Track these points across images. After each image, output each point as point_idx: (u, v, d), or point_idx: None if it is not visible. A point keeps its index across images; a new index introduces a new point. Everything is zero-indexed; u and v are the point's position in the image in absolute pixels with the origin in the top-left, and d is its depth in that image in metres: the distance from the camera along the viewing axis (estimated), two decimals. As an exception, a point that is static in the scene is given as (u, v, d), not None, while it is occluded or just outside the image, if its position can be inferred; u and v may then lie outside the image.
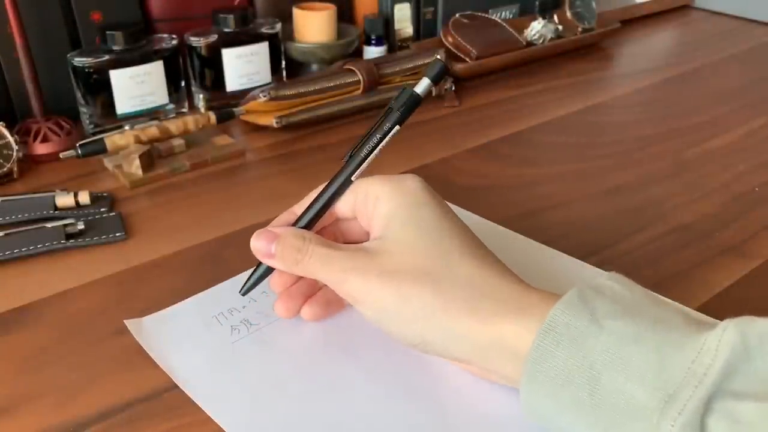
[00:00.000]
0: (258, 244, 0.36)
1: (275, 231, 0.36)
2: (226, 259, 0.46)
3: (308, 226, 0.37)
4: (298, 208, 0.38)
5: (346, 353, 0.38)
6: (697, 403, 0.25)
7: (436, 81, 0.37)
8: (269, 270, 0.38)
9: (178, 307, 0.41)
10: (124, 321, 0.40)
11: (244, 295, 0.39)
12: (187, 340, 0.39)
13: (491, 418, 0.34)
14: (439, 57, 0.36)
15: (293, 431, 0.33)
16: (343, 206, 0.37)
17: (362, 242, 0.36)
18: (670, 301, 0.30)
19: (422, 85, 0.37)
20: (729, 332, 0.26)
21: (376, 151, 0.37)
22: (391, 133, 0.37)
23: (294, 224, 0.37)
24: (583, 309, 0.29)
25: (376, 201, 0.35)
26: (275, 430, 0.33)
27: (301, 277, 0.38)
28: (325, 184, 0.37)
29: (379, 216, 0.35)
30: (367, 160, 0.37)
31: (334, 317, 0.40)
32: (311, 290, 0.39)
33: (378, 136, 0.37)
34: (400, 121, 0.37)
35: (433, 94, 0.71)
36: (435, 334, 0.32)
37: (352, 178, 0.36)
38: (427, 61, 0.71)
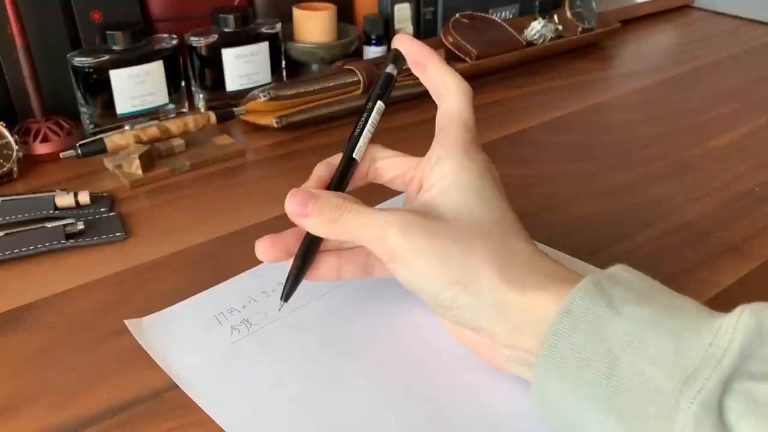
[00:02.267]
0: (292, 204, 0.34)
1: (311, 190, 0.35)
2: (226, 259, 0.46)
3: (340, 186, 0.37)
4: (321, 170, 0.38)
5: (346, 353, 0.38)
6: (715, 384, 0.25)
7: (396, 64, 0.40)
8: (305, 265, 0.36)
9: (178, 307, 0.41)
10: (124, 321, 0.40)
11: (286, 301, 0.36)
12: (187, 339, 0.38)
13: (492, 418, 0.33)
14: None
15: (292, 430, 0.33)
16: (388, 165, 0.38)
17: None
18: (678, 293, 0.31)
19: (390, 67, 0.39)
20: (745, 317, 0.27)
21: (369, 126, 0.39)
22: (376, 111, 0.39)
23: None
24: (600, 295, 0.29)
25: (438, 161, 0.35)
26: (274, 429, 0.33)
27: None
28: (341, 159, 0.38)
29: (437, 175, 0.35)
30: (363, 137, 0.38)
31: (335, 318, 0.40)
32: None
33: (365, 114, 0.39)
34: (380, 98, 0.39)
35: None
36: (469, 299, 0.31)
37: (354, 156, 0.37)
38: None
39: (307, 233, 0.36)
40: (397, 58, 0.40)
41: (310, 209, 0.34)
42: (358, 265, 0.38)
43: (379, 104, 0.39)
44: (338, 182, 0.37)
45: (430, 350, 0.38)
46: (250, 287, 0.43)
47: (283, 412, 0.34)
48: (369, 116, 0.39)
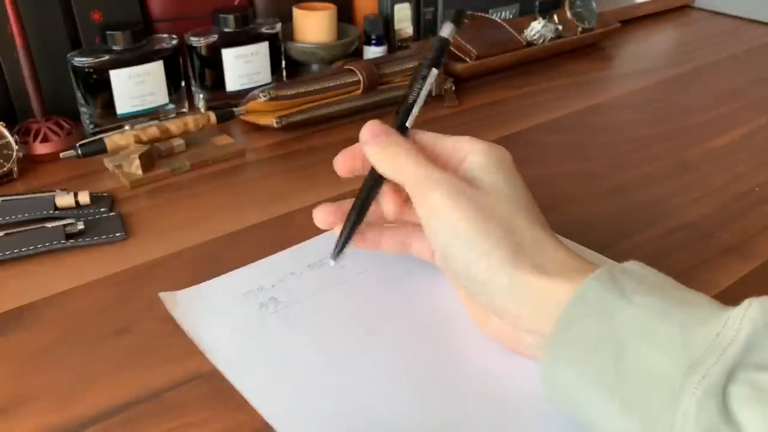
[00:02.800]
0: (366, 131, 0.37)
1: (387, 127, 0.38)
2: (226, 259, 0.46)
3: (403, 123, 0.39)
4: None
5: (368, 333, 0.39)
6: (719, 371, 0.26)
7: (457, 24, 0.39)
8: (359, 220, 0.38)
9: (211, 283, 0.43)
10: (159, 294, 0.42)
11: (336, 258, 0.38)
12: (217, 313, 0.40)
13: (511, 399, 0.34)
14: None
15: (311, 400, 0.34)
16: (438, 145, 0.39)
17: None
18: (689, 288, 0.32)
19: (446, 29, 0.39)
20: (753, 309, 0.27)
21: (423, 93, 0.39)
22: (431, 76, 0.39)
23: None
24: (613, 285, 0.30)
25: (468, 154, 0.37)
26: (295, 399, 0.34)
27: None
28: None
29: (471, 165, 0.36)
30: (417, 104, 0.39)
31: (359, 301, 0.42)
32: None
33: (419, 81, 0.39)
34: (435, 64, 0.39)
35: (433, 93, 0.71)
36: (498, 278, 0.32)
37: (407, 124, 0.39)
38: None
39: (364, 185, 0.38)
40: (459, 17, 0.39)
41: (380, 140, 0.37)
42: (397, 241, 0.41)
43: (434, 71, 0.39)
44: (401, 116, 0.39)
45: (452, 333, 0.39)
46: (280, 268, 0.44)
47: (305, 384, 0.35)
48: (424, 84, 0.39)
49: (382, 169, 0.37)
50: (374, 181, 0.38)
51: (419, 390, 0.35)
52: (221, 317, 0.40)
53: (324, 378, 0.36)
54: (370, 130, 0.37)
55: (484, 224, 0.33)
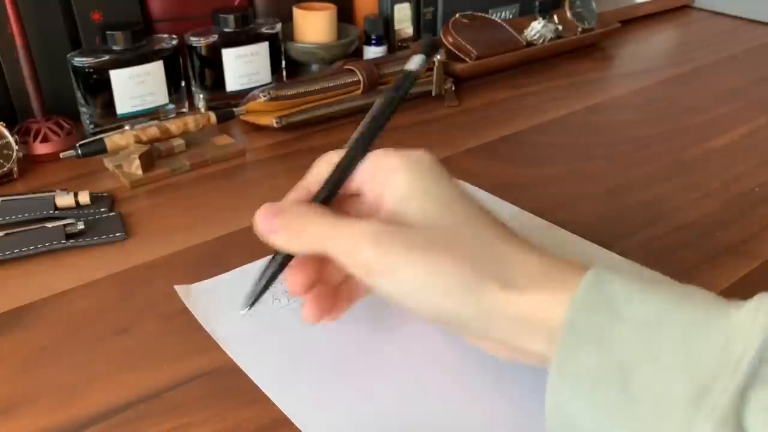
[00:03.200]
0: (260, 220, 0.33)
1: (279, 204, 0.34)
2: (226, 259, 0.46)
3: (329, 199, 0.34)
4: (307, 184, 0.35)
5: (378, 329, 0.39)
6: (732, 397, 0.24)
7: (428, 54, 0.37)
8: (278, 271, 0.34)
9: (224, 276, 0.44)
10: (174, 286, 0.42)
11: (250, 308, 0.35)
12: (230, 305, 0.40)
13: (522, 392, 0.35)
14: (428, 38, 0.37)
15: (324, 391, 0.35)
16: (350, 181, 0.35)
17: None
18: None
19: (415, 62, 0.37)
20: (763, 313, 0.25)
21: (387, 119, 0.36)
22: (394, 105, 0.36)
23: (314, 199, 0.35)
24: (599, 297, 0.28)
25: (391, 174, 0.33)
26: (307, 389, 0.35)
27: (318, 279, 0.35)
28: (336, 159, 0.35)
29: (395, 189, 0.32)
30: (379, 130, 0.36)
31: (370, 297, 0.40)
32: (333, 290, 0.35)
33: (383, 107, 0.36)
34: (402, 91, 0.37)
35: (433, 93, 0.71)
36: (467, 308, 0.30)
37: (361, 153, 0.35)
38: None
39: (278, 255, 0.34)
40: (432, 48, 0.37)
41: (278, 224, 0.33)
42: (352, 294, 0.36)
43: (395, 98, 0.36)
44: (326, 193, 0.34)
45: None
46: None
47: (315, 376, 0.36)
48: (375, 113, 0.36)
49: (298, 252, 0.33)
50: (282, 260, 0.34)
51: (432, 380, 0.36)
52: (235, 309, 0.40)
53: (337, 370, 0.37)
54: (260, 218, 0.33)
55: (429, 264, 0.30)
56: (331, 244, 0.31)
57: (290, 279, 0.34)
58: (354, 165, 0.34)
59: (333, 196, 0.34)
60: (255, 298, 0.35)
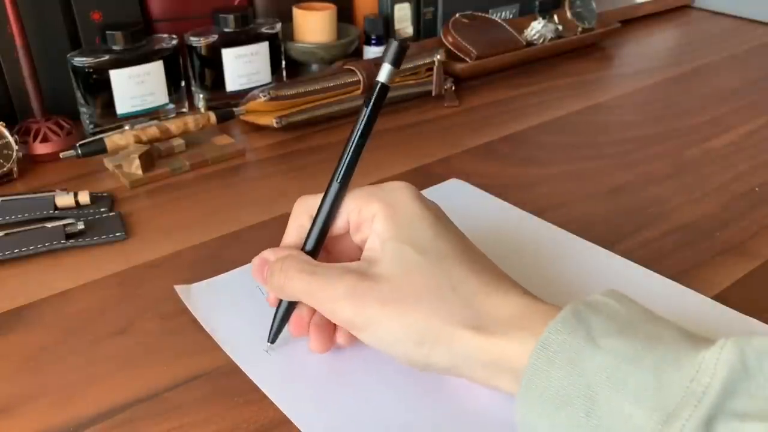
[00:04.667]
0: (255, 269, 0.36)
1: (266, 254, 0.36)
2: (226, 259, 0.46)
3: (315, 249, 0.36)
4: (296, 227, 0.37)
5: None
6: (697, 423, 0.24)
7: (396, 64, 0.35)
8: (291, 307, 0.37)
9: (224, 276, 0.44)
10: (174, 286, 0.42)
11: (272, 342, 0.37)
12: (230, 306, 0.41)
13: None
14: (394, 40, 0.35)
15: (321, 387, 0.35)
16: (336, 224, 0.36)
17: (354, 259, 0.35)
18: (664, 318, 0.30)
19: (384, 73, 0.35)
20: (727, 350, 0.26)
21: (359, 152, 0.36)
22: (364, 130, 0.35)
23: (303, 248, 0.36)
24: (577, 326, 0.28)
25: (371, 222, 0.34)
26: (307, 388, 0.36)
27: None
28: (320, 199, 0.36)
29: (373, 236, 0.34)
30: (353, 166, 0.36)
31: None
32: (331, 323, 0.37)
33: (355, 137, 0.35)
34: (371, 116, 0.35)
35: (433, 93, 0.71)
36: (441, 356, 0.31)
37: (338, 182, 0.35)
38: (426, 60, 0.71)
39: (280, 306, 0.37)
40: (400, 55, 0.34)
41: (267, 276, 0.35)
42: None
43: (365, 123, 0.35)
44: (313, 240, 0.36)
45: None
46: None
47: (315, 375, 0.36)
48: (363, 139, 0.36)
49: (288, 299, 0.36)
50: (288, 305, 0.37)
51: (432, 380, 0.35)
52: (234, 311, 0.41)
53: (332, 369, 0.37)
54: (254, 269, 0.36)
55: (401, 318, 0.31)
56: (313, 300, 0.34)
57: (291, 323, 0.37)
58: (335, 210, 0.36)
59: (320, 246, 0.36)
60: (275, 333, 0.37)
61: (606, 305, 0.29)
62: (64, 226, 0.48)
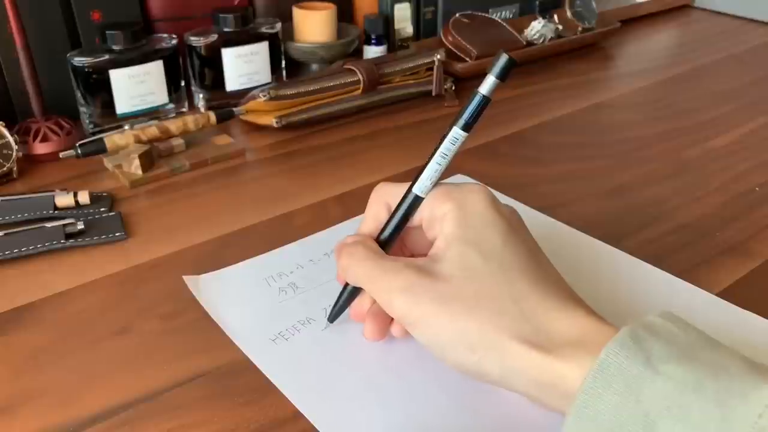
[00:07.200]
0: (335, 251, 0.37)
1: (345, 240, 0.36)
2: (226, 259, 0.46)
3: (388, 240, 0.36)
4: (374, 214, 0.37)
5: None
6: None
7: (502, 78, 0.33)
8: (355, 292, 0.37)
9: (233, 268, 0.45)
10: (183, 276, 0.43)
11: (331, 322, 0.39)
12: (238, 297, 0.42)
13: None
14: (503, 52, 0.33)
15: (332, 379, 0.36)
16: (412, 220, 0.36)
17: (424, 255, 0.34)
18: (723, 344, 0.28)
19: (487, 85, 0.34)
20: None
21: (447, 160, 0.35)
22: (459, 140, 0.35)
23: (378, 237, 0.36)
24: (637, 351, 0.27)
25: (442, 221, 0.34)
26: (308, 375, 0.36)
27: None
28: (397, 187, 0.37)
29: (442, 236, 0.33)
30: (438, 171, 0.35)
31: None
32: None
33: (445, 143, 0.35)
34: (466, 126, 0.35)
35: (433, 93, 0.71)
36: (492, 365, 0.30)
37: (422, 194, 0.35)
38: (426, 60, 0.71)
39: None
40: (506, 70, 0.33)
41: (336, 257, 0.36)
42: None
43: (457, 131, 0.35)
44: (389, 233, 0.36)
45: None
46: (299, 255, 0.46)
47: (320, 363, 0.37)
48: (440, 145, 0.35)
49: (351, 281, 0.36)
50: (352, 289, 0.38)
51: (437, 371, 0.35)
52: (242, 302, 0.41)
53: (338, 359, 0.37)
54: (336, 248, 0.37)
55: (456, 321, 0.30)
56: (372, 288, 0.34)
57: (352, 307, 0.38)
58: (415, 207, 0.36)
59: (394, 238, 0.36)
60: (336, 314, 0.38)
61: (664, 328, 0.28)
62: (64, 226, 0.48)
